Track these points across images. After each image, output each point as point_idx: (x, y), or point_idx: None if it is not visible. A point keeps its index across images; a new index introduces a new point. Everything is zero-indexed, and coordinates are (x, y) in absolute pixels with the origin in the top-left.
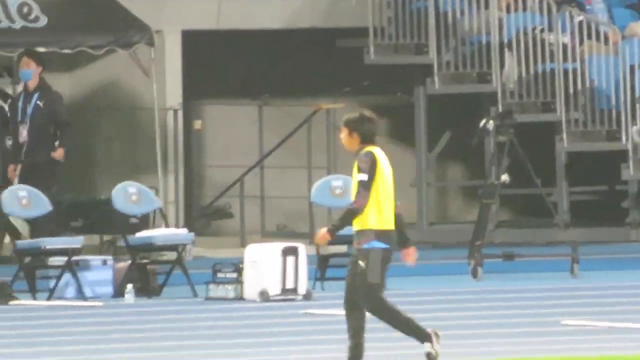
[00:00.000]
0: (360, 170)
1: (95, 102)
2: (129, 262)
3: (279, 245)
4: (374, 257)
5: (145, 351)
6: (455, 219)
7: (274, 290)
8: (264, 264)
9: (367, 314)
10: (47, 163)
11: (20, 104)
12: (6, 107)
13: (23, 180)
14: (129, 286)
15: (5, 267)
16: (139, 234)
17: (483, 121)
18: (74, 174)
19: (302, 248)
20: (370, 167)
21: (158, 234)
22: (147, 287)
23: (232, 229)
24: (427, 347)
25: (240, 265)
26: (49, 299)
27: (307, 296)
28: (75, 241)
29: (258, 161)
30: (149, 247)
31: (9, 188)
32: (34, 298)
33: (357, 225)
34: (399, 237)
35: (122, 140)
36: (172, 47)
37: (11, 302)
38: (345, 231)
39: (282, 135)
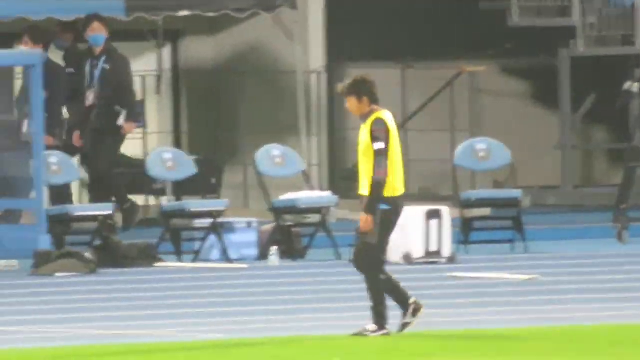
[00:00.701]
0: (376, 138)
1: (238, 65)
2: (274, 224)
3: (422, 208)
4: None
5: (289, 314)
6: (600, 181)
7: (418, 253)
8: (408, 227)
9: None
10: (113, 129)
11: (87, 68)
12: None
13: (90, 145)
14: (274, 248)
15: (150, 229)
16: (282, 197)
17: (627, 84)
18: (218, 136)
19: (446, 211)
20: (386, 135)
21: (302, 196)
22: (291, 250)
23: None
24: (371, 327)
25: None
26: (194, 261)
27: (451, 259)
28: (220, 203)
29: (401, 124)
30: (292, 210)
31: (153, 151)
32: (180, 260)
33: (363, 189)
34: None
35: (266, 104)
36: (315, 9)
37: (156, 264)
38: (488, 194)
39: (425, 97)
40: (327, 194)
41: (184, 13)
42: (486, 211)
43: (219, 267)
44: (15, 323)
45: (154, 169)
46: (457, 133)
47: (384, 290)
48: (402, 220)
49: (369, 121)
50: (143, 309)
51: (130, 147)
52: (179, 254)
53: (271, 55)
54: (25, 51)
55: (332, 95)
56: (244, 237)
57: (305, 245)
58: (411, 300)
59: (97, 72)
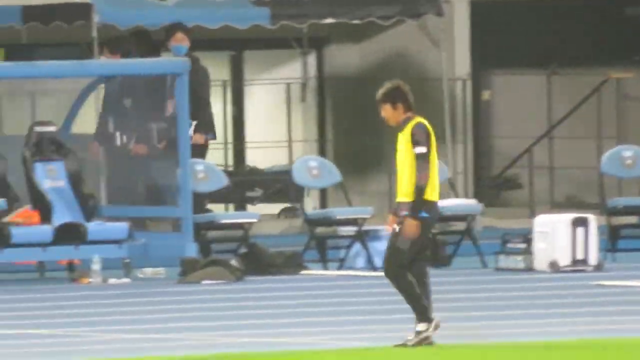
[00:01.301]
0: (417, 143)
1: (383, 73)
2: None
3: (568, 216)
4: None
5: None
6: None
7: (564, 260)
8: (554, 235)
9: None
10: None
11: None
12: None
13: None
14: None
15: (296, 237)
16: None
17: None
18: (363, 143)
19: (592, 219)
20: (427, 139)
21: (447, 204)
22: (437, 257)
23: (521, 200)
24: (420, 326)
25: (530, 236)
26: (339, 269)
27: (598, 267)
28: (365, 211)
29: (547, 131)
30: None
31: (299, 159)
32: (325, 268)
33: (402, 196)
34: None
35: None
36: (461, 16)
37: (302, 272)
38: (636, 202)
39: (571, 104)
40: (472, 201)
41: (329, 21)
42: (633, 219)
43: (364, 275)
44: (163, 331)
45: (300, 177)
46: (603, 140)
47: (415, 289)
48: (548, 228)
49: (408, 127)
50: (289, 316)
51: (276, 155)
52: (324, 261)
53: (416, 63)
54: (170, 60)
55: (478, 102)
56: None
57: (450, 254)
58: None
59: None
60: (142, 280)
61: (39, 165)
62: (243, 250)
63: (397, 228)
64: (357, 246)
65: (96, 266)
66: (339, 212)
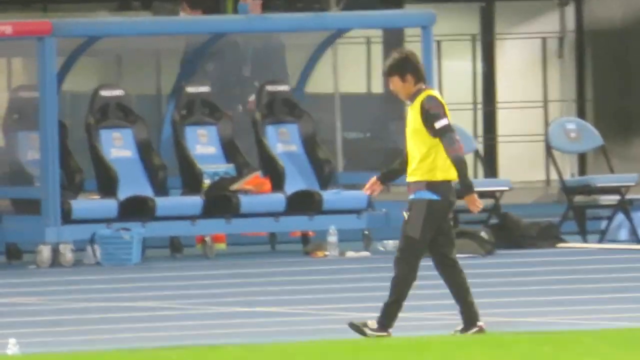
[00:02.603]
0: (436, 116)
1: None
2: None
3: None
4: (417, 208)
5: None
6: None
7: None
8: None
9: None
10: None
11: None
12: None
13: None
14: None
15: (552, 207)
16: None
17: None
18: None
19: None
20: (443, 111)
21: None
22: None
23: None
24: (370, 323)
25: None
26: (600, 241)
27: None
28: (629, 178)
29: None
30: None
31: (555, 120)
32: (584, 241)
33: (411, 176)
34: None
35: None
36: None
37: (559, 245)
38: None
39: None
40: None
41: None
42: None
43: (627, 249)
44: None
45: (556, 140)
46: None
47: (406, 290)
48: None
49: (418, 100)
50: (544, 294)
51: (531, 117)
52: (583, 233)
53: None
54: (415, 12)
55: None
56: None
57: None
58: (479, 324)
59: None
60: (383, 254)
61: (270, 128)
62: (494, 221)
63: (405, 215)
64: (619, 217)
65: (333, 238)
66: (600, 179)
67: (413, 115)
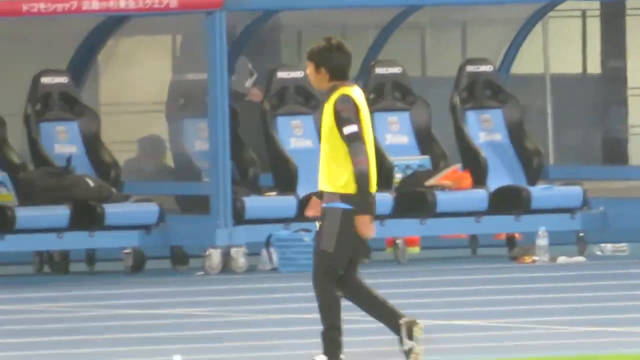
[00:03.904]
0: (345, 120)
1: None
2: None
3: None
4: (329, 219)
5: None
6: None
7: None
8: None
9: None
10: None
11: None
12: None
13: None
14: None
15: None
16: None
17: None
18: None
19: None
20: (355, 115)
21: None
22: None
23: None
24: (320, 357)
25: None
26: None
27: None
28: None
29: None
30: None
31: None
32: None
33: (325, 185)
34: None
35: None
36: None
37: None
38: None
39: None
40: None
41: None
42: None
43: None
44: (621, 322)
45: None
46: None
47: (338, 311)
48: None
49: (332, 97)
50: None
51: None
52: None
53: None
54: None
55: None
56: None
57: None
58: (402, 320)
59: None
60: (600, 259)
61: (470, 114)
62: None
63: (318, 226)
64: None
65: (542, 241)
66: None
67: (326, 113)
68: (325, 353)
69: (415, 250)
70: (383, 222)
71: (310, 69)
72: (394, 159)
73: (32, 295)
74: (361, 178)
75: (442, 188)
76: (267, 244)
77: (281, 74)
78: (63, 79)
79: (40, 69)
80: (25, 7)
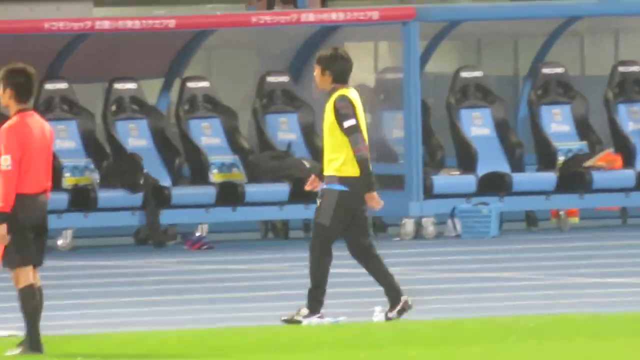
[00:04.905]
0: (345, 116)
1: None
2: None
3: None
4: (328, 197)
5: None
6: None
7: None
8: None
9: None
10: None
11: None
12: None
13: None
14: None
15: None
16: None
17: None
18: None
19: None
20: (352, 111)
21: None
22: None
23: None
24: (303, 311)
25: None
26: None
27: None
28: None
29: None
30: None
31: None
32: None
33: (326, 170)
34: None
35: None
36: None
37: None
38: None
39: None
40: None
41: None
42: None
43: None
44: None
45: None
46: None
47: (325, 274)
48: None
49: (332, 98)
50: None
51: None
52: None
53: None
54: None
55: None
56: None
57: None
58: (403, 299)
59: None
60: None
61: (621, 106)
62: None
63: (318, 202)
64: None
65: None
66: None
67: (328, 112)
68: (308, 307)
69: (575, 220)
70: (548, 196)
71: (317, 72)
72: (558, 144)
73: (258, 257)
74: (363, 162)
75: (598, 168)
76: (452, 214)
77: (463, 74)
78: (284, 78)
79: (266, 70)
80: (254, 19)
